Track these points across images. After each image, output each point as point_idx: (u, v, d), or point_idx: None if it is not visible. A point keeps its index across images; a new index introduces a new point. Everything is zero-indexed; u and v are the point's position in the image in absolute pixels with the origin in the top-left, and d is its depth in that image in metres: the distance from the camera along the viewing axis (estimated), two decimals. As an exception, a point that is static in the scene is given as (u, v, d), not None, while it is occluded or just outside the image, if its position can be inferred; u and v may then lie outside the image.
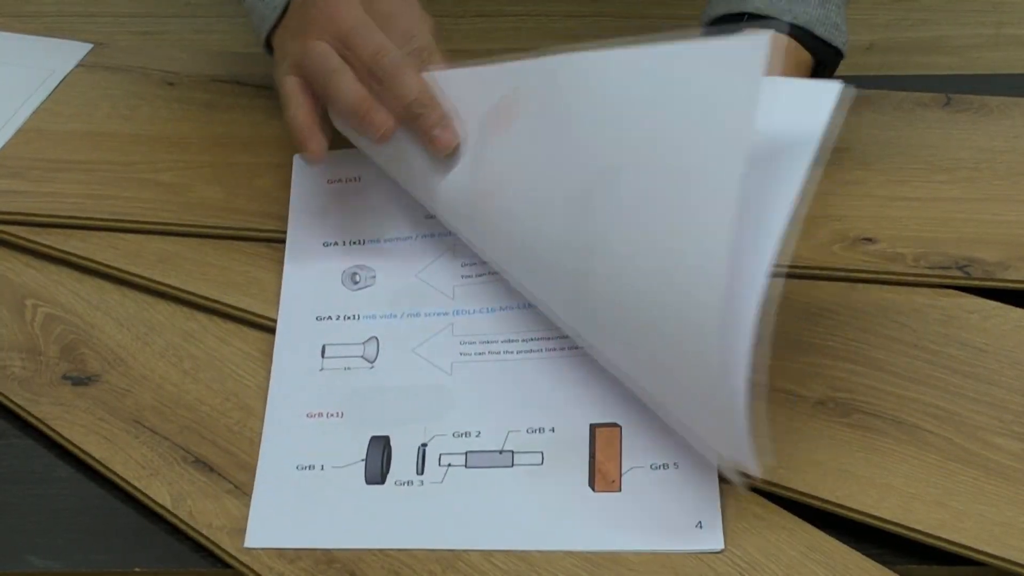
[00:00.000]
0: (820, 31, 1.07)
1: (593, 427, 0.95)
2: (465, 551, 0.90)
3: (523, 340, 0.99)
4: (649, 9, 1.32)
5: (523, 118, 0.95)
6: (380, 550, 0.90)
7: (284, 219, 1.08)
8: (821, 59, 1.09)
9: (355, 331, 1.02)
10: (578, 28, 1.31)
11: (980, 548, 0.90)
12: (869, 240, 1.09)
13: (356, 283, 1.04)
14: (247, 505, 0.93)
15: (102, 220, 1.10)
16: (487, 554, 0.90)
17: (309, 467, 0.95)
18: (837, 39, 1.08)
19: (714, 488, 0.92)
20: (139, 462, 0.96)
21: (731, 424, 0.86)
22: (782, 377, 1.00)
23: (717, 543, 0.90)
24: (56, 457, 0.97)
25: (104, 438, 0.97)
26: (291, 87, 1.01)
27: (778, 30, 1.07)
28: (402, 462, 0.95)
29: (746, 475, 0.90)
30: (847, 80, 1.16)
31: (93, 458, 0.96)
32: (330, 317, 1.02)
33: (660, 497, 0.92)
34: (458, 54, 1.28)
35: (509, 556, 0.90)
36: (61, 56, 1.26)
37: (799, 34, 1.07)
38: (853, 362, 1.01)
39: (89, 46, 1.27)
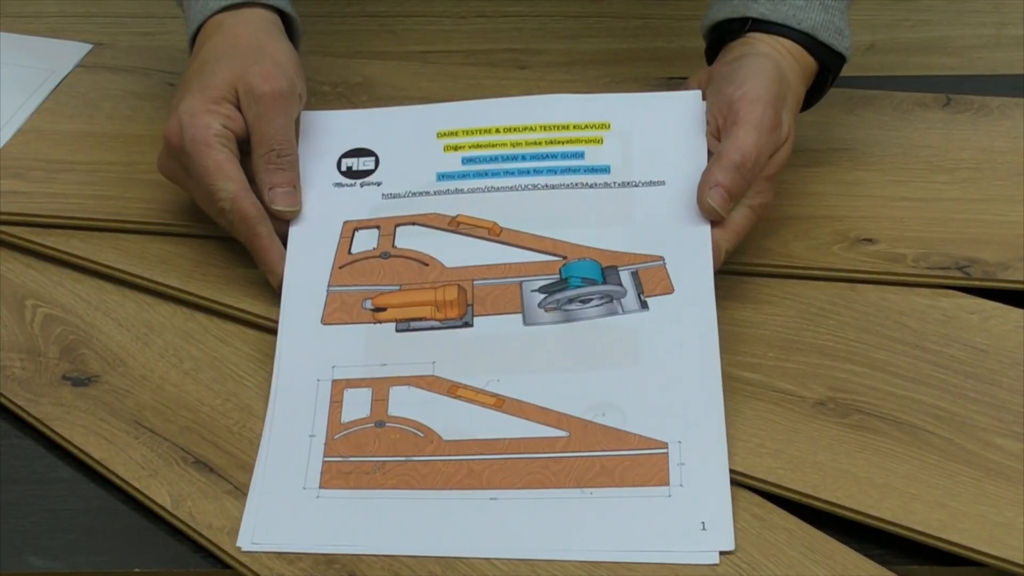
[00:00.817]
0: (824, 36, 1.07)
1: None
2: (467, 557, 0.90)
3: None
4: (649, 9, 1.32)
5: None
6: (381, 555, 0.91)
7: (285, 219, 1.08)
8: (824, 64, 1.09)
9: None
10: (578, 28, 1.31)
11: (980, 548, 0.89)
12: (869, 240, 1.09)
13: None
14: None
15: (103, 221, 1.10)
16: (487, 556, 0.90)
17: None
18: (840, 44, 1.08)
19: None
20: (139, 463, 0.95)
21: None
22: (782, 377, 1.00)
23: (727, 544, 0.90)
24: (56, 457, 0.97)
25: (104, 439, 0.97)
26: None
27: (782, 35, 1.07)
28: None
29: None
30: (848, 81, 1.16)
31: (93, 459, 0.96)
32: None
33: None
34: (459, 55, 1.29)
35: (509, 556, 0.90)
36: (61, 56, 1.26)
37: (803, 40, 1.07)
38: (853, 362, 1.01)
39: (88, 46, 1.27)
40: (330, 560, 0.90)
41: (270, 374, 1.00)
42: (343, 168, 1.08)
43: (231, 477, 0.95)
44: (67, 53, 1.26)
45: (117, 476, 0.95)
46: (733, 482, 0.92)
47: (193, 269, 1.07)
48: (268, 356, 1.01)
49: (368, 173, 1.08)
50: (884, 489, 0.93)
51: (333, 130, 1.10)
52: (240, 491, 0.94)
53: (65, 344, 1.03)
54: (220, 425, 0.98)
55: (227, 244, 1.07)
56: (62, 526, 0.93)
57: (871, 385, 0.99)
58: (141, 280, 1.07)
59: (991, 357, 1.01)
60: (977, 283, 1.06)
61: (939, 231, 1.10)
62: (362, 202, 1.07)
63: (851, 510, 0.92)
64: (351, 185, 1.08)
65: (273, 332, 1.02)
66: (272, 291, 1.04)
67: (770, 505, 0.93)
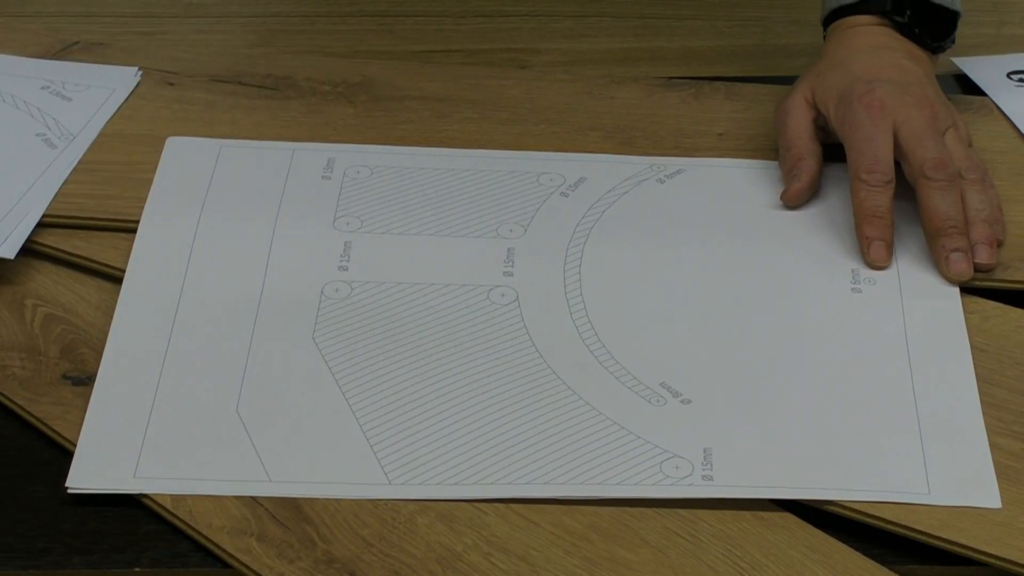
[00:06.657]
0: None
1: None
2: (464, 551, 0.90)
3: None
4: (649, 9, 1.32)
5: None
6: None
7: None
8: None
9: None
10: (578, 28, 1.31)
11: (980, 548, 0.90)
12: (869, 240, 1.09)
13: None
14: (248, 505, 0.93)
15: (103, 220, 1.10)
16: (487, 555, 0.90)
17: None
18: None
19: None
20: (139, 462, 0.96)
21: None
22: (782, 377, 1.00)
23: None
24: (56, 457, 0.97)
25: (104, 438, 0.97)
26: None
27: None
28: None
29: None
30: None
31: (93, 458, 0.96)
32: None
33: None
34: (459, 54, 1.29)
35: (509, 556, 0.90)
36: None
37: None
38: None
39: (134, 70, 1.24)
40: (330, 559, 0.90)
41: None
42: None
43: (231, 476, 0.95)
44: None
45: (117, 475, 0.95)
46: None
47: (193, 269, 1.08)
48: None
49: None
50: (884, 489, 0.93)
51: None
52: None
53: (65, 343, 1.03)
54: (220, 424, 0.98)
55: (227, 244, 1.08)
56: (62, 526, 0.93)
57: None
58: (141, 279, 1.07)
59: (991, 357, 1.01)
60: (976, 283, 1.06)
61: (939, 231, 1.10)
62: None
63: (851, 509, 0.92)
64: None
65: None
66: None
67: (770, 504, 0.93)
